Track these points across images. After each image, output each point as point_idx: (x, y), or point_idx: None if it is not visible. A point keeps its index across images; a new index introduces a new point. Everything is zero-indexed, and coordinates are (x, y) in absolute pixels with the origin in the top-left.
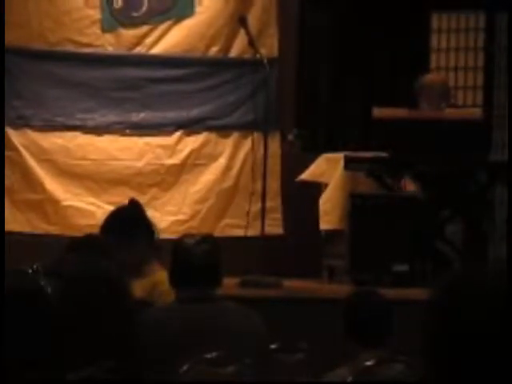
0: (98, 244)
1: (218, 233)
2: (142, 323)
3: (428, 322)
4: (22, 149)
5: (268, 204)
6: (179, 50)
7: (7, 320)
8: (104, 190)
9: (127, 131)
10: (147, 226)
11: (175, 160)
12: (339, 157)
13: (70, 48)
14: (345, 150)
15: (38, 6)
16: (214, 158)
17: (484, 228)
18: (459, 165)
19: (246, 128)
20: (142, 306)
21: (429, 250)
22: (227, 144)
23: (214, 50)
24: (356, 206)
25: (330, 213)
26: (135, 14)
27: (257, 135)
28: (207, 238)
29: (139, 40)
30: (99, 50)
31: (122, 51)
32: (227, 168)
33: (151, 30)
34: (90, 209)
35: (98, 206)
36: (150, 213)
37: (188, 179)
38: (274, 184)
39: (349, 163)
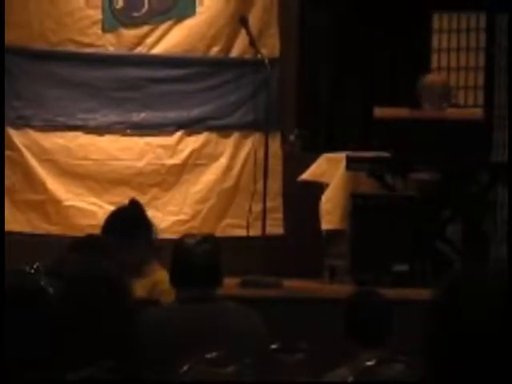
0: (100, 244)
1: (218, 233)
2: (142, 323)
3: (429, 321)
4: (23, 149)
5: (269, 204)
6: (180, 50)
7: (7, 320)
8: (105, 190)
9: (128, 131)
10: (147, 226)
11: (176, 160)
12: (340, 157)
13: (71, 48)
14: (345, 150)
15: (39, 6)
16: (214, 158)
17: (485, 228)
18: (460, 165)
19: (246, 128)
20: (145, 305)
21: (429, 250)
22: (228, 144)
23: (214, 50)
24: (357, 206)
25: (330, 213)
26: (136, 14)
27: (258, 135)
28: (208, 238)
29: (140, 40)
30: (100, 50)
31: (122, 51)
32: (228, 168)
33: (152, 30)
34: (92, 209)
35: (100, 206)
36: (151, 213)
37: (189, 179)
38: (275, 184)
39: (351, 163)
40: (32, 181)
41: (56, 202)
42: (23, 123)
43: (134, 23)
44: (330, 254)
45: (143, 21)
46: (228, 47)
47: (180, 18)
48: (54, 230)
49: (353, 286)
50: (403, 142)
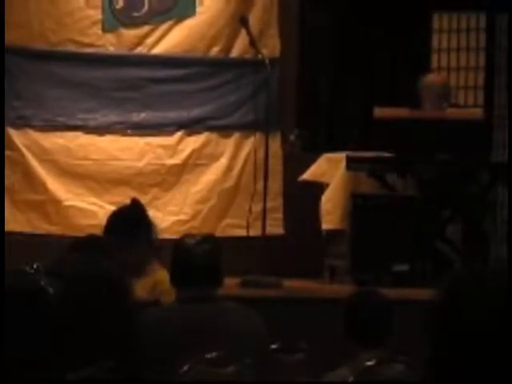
0: (100, 244)
1: (219, 233)
2: (142, 323)
3: (429, 321)
4: (23, 149)
5: (269, 204)
6: (180, 50)
7: (7, 320)
8: (105, 190)
9: (128, 131)
10: (149, 226)
11: (176, 160)
12: (340, 157)
13: (71, 48)
14: (345, 150)
15: (39, 6)
16: (215, 158)
17: (485, 228)
18: (460, 165)
19: (247, 128)
20: (145, 305)
21: (429, 250)
22: (228, 144)
23: (215, 50)
24: (357, 206)
25: (331, 213)
26: (136, 14)
27: (258, 135)
28: (208, 238)
29: (140, 40)
30: (100, 50)
31: (123, 51)
32: (228, 168)
33: (152, 30)
34: (92, 209)
35: (100, 206)
36: (152, 213)
37: (189, 179)
38: (275, 184)
39: (351, 163)
40: (32, 181)
41: (56, 202)
42: (23, 123)
43: (134, 23)
44: (330, 253)
45: (143, 21)
46: (228, 47)
47: (180, 18)
48: (54, 230)
49: (353, 286)
50: (403, 142)
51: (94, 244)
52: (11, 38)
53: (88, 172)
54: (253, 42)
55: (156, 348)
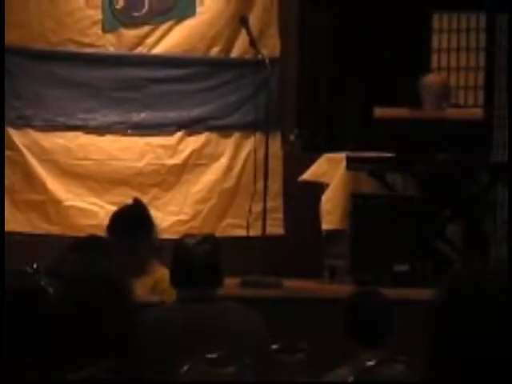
0: (100, 244)
1: (219, 233)
2: (142, 323)
3: (429, 321)
4: (23, 149)
5: (269, 204)
6: (180, 50)
7: (7, 320)
8: (106, 190)
9: (128, 131)
10: (150, 226)
11: (176, 160)
12: (340, 157)
13: (71, 48)
14: (345, 150)
15: (39, 6)
16: (215, 158)
17: (485, 228)
18: (460, 165)
19: (247, 128)
20: (147, 305)
21: (429, 250)
22: (228, 144)
23: (215, 50)
24: (357, 206)
25: (331, 213)
26: (136, 14)
27: (258, 135)
28: (208, 238)
29: (140, 40)
30: (100, 50)
31: (123, 51)
32: (228, 168)
33: (152, 30)
34: (92, 209)
35: (100, 206)
36: (152, 213)
37: (189, 179)
38: (276, 184)
39: (351, 163)
40: (32, 181)
41: (56, 202)
42: (23, 123)
43: (135, 23)
44: (330, 253)
45: (143, 21)
46: (228, 47)
47: (180, 19)
48: (54, 230)
49: (353, 286)
50: (403, 142)
51: (94, 244)
52: (11, 37)
53: (88, 172)
54: (253, 42)
55: (156, 348)
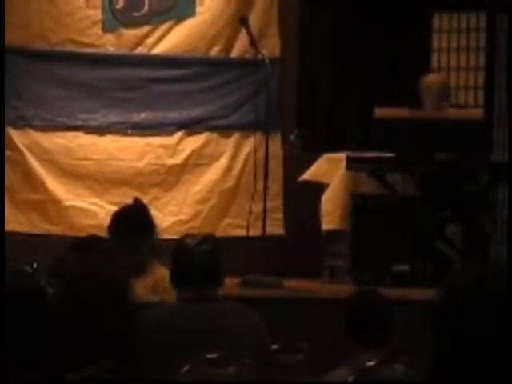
0: (100, 244)
1: (219, 233)
2: (142, 323)
3: (429, 322)
4: (23, 149)
5: (269, 204)
6: (180, 50)
7: (7, 320)
8: (106, 190)
9: (129, 131)
10: (151, 226)
11: (176, 160)
12: (340, 157)
13: (71, 48)
14: (345, 150)
15: (39, 6)
16: (215, 158)
17: (485, 228)
18: (460, 165)
19: (247, 128)
20: (147, 305)
21: (429, 250)
22: (228, 144)
23: (215, 50)
24: (357, 206)
25: (331, 213)
26: (136, 14)
27: (258, 135)
28: (208, 238)
29: (140, 40)
30: (100, 50)
31: (123, 51)
32: (228, 168)
33: (152, 30)
34: (92, 209)
35: (100, 206)
36: (152, 213)
37: (189, 179)
38: (276, 184)
39: (351, 163)
40: (32, 181)
41: (56, 202)
42: (23, 123)
43: (135, 23)
44: (330, 253)
45: (143, 21)
46: (228, 47)
47: (180, 19)
48: (54, 230)
49: (353, 285)
50: (403, 142)
51: (94, 244)
52: (11, 37)
53: (88, 172)
54: (253, 42)
55: (156, 348)
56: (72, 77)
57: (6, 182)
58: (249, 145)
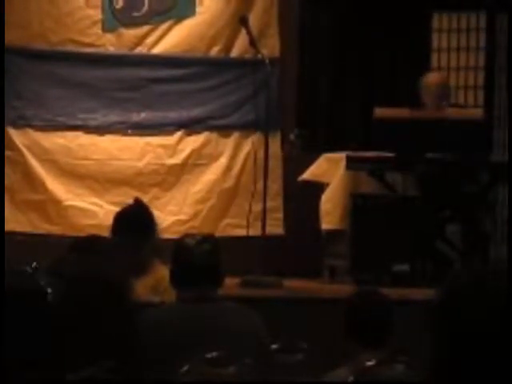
0: (100, 244)
1: (219, 233)
2: (142, 323)
3: (429, 322)
4: (23, 149)
5: (269, 204)
6: (180, 49)
7: (7, 320)
8: (106, 189)
9: (129, 131)
10: (153, 226)
11: (176, 160)
12: (340, 157)
13: (71, 48)
14: (345, 150)
15: (39, 6)
16: (214, 157)
17: (485, 228)
18: (460, 165)
19: (247, 128)
20: (147, 305)
21: (429, 250)
22: (228, 144)
23: (215, 50)
24: (357, 205)
25: (330, 213)
26: (136, 14)
27: (258, 135)
28: (208, 238)
29: (140, 40)
30: (100, 50)
31: (123, 51)
32: (228, 168)
33: (152, 30)
34: (92, 209)
35: (100, 206)
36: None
37: (189, 179)
38: (275, 184)
39: (351, 163)
40: (32, 181)
41: (56, 201)
42: (23, 123)
43: (134, 23)
44: (330, 253)
45: (143, 21)
46: (228, 47)
47: (180, 18)
48: (54, 229)
49: (353, 285)
50: (403, 142)
51: (94, 244)
52: (11, 37)
53: (88, 172)
54: (253, 42)
55: (156, 348)
56: (72, 77)
57: (6, 182)
58: (248, 145)
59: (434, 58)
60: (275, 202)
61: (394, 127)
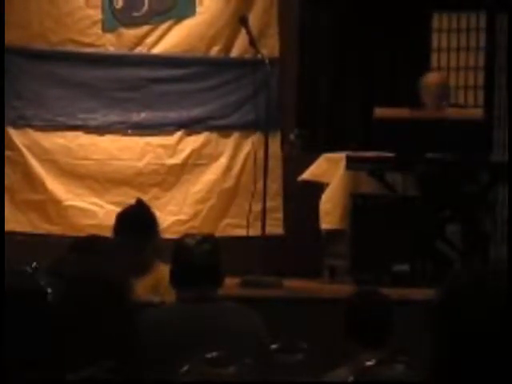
0: (100, 244)
1: (219, 233)
2: (142, 323)
3: (430, 322)
4: (23, 149)
5: (269, 204)
6: (180, 49)
7: (7, 320)
8: (106, 189)
9: (129, 131)
10: (155, 226)
11: (176, 160)
12: (340, 157)
13: (71, 48)
14: (345, 150)
15: (39, 6)
16: (214, 157)
17: (485, 228)
18: (460, 165)
19: (246, 128)
20: (147, 305)
21: (429, 250)
22: (228, 144)
23: (215, 50)
24: (357, 205)
25: (330, 213)
26: (136, 14)
27: (258, 135)
28: (208, 238)
29: (140, 40)
30: (100, 50)
31: (123, 51)
32: (228, 168)
33: (152, 30)
34: (92, 209)
35: (100, 206)
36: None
37: (189, 179)
38: (275, 184)
39: (350, 163)
40: (32, 181)
41: (56, 201)
42: (23, 123)
43: (134, 23)
44: (330, 253)
45: (143, 21)
46: (228, 47)
47: (180, 18)
48: (54, 229)
49: (353, 285)
50: (403, 142)
51: (94, 244)
52: (11, 38)
53: (88, 172)
54: (253, 42)
55: (156, 348)
56: (72, 77)
57: (6, 182)
58: (248, 145)
59: (434, 58)
60: (275, 202)
61: (394, 127)
